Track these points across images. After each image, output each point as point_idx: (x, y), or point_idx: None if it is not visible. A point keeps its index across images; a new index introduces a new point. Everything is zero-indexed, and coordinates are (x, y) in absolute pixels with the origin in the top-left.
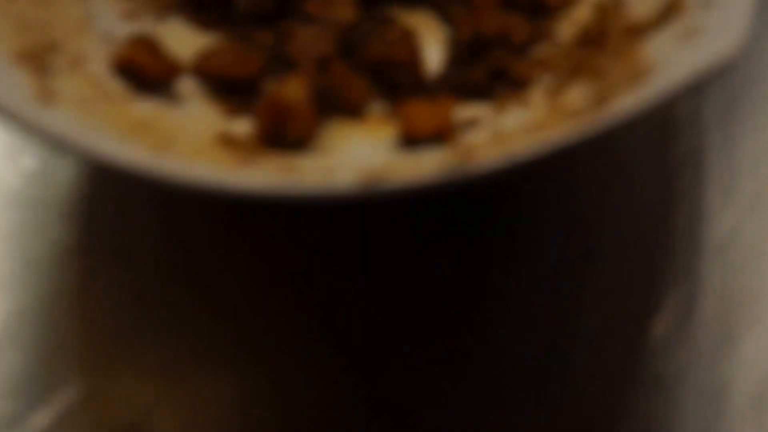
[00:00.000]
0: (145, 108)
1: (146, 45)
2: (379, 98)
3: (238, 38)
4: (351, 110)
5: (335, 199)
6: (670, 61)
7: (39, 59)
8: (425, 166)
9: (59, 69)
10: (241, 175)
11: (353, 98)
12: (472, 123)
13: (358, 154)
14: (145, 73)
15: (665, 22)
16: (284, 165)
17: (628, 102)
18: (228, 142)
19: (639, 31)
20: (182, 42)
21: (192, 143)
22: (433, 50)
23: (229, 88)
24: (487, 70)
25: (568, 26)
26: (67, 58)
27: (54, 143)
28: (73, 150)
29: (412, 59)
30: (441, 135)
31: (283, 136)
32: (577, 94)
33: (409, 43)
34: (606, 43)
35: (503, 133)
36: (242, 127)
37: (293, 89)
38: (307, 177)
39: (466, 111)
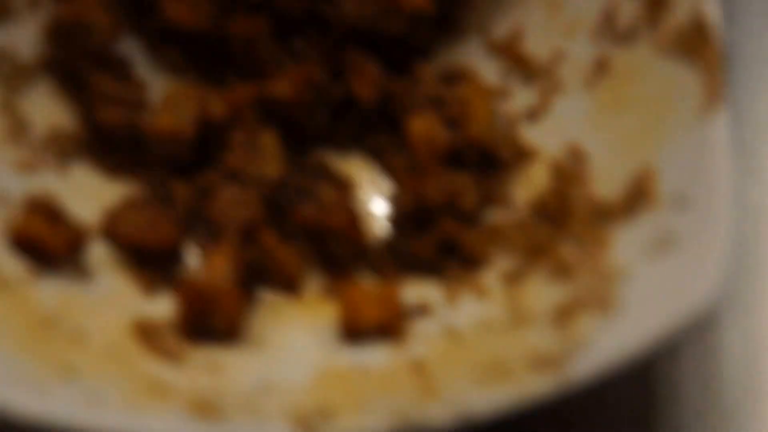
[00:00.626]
0: (50, 292)
1: (45, 211)
2: (314, 267)
3: (151, 191)
4: (284, 286)
5: None
6: (644, 302)
7: None
8: (372, 406)
9: None
10: (150, 418)
11: (286, 273)
12: (421, 310)
13: (296, 349)
14: (46, 247)
15: (633, 214)
16: (209, 368)
17: (598, 356)
18: (146, 333)
19: (603, 215)
20: (88, 194)
21: (104, 340)
22: (371, 203)
23: (144, 257)
24: (435, 242)
25: (524, 189)
26: None
27: None
28: None
29: (351, 227)
30: (387, 328)
31: (207, 326)
32: (537, 290)
33: (347, 206)
34: (567, 222)
35: (456, 332)
36: (162, 306)
37: (217, 271)
38: (232, 410)
39: (414, 289)
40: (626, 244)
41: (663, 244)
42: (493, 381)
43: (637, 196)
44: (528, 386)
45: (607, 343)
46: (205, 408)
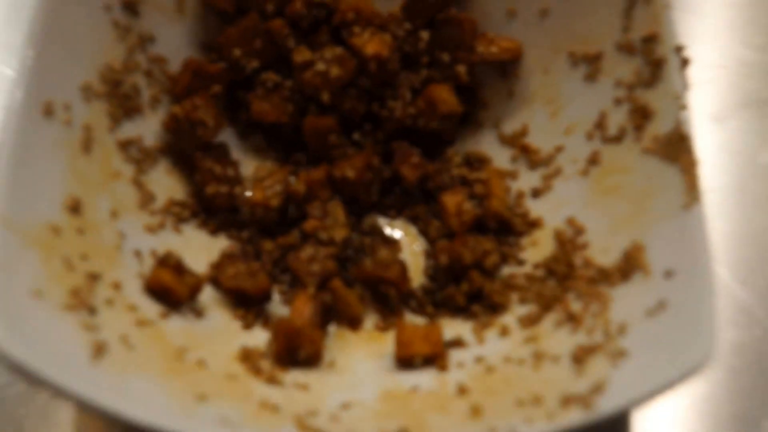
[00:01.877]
0: (176, 329)
1: (172, 265)
2: (370, 307)
3: (244, 247)
4: (350, 322)
5: None
6: (648, 355)
7: (83, 301)
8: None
9: (101, 305)
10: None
11: (352, 312)
12: (456, 343)
13: (362, 373)
14: (174, 294)
15: (628, 280)
16: (299, 389)
17: (617, 397)
18: (249, 359)
19: (603, 279)
20: (197, 249)
21: (221, 366)
22: (413, 258)
23: (243, 300)
24: (466, 291)
25: (533, 251)
26: (107, 288)
27: (99, 412)
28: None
29: (401, 278)
30: (433, 358)
31: (296, 356)
32: (551, 333)
33: (398, 261)
34: (571, 281)
35: (487, 363)
36: (258, 338)
37: (303, 312)
38: (328, 425)
39: (449, 327)
40: (625, 304)
41: (658, 308)
42: (529, 409)
43: (630, 267)
44: (561, 418)
45: (621, 388)
46: (307, 427)
